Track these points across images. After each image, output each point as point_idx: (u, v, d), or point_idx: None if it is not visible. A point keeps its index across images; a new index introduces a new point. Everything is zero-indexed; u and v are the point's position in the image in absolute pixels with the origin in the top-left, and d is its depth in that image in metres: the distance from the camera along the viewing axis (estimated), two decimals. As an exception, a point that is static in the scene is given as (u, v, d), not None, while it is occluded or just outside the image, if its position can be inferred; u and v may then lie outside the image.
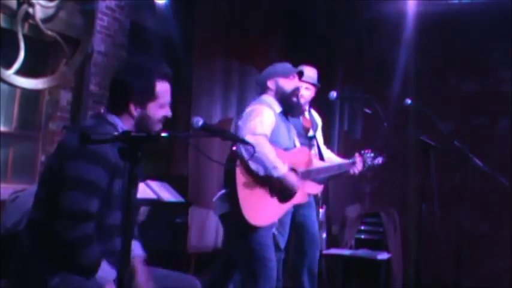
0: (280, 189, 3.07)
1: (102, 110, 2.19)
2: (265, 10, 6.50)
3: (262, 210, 3.02)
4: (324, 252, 5.18)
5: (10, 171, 4.72)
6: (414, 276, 5.39)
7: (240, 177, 2.95)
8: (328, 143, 4.54)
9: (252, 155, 2.87)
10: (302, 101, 3.62)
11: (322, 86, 3.83)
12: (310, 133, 3.86)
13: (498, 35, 5.78)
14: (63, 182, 1.96)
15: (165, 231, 5.10)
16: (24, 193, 3.86)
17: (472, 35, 5.92)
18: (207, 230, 6.01)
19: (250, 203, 2.96)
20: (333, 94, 3.40)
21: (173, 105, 2.21)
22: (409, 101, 3.83)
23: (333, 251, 5.30)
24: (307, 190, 3.71)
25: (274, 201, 3.08)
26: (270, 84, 3.23)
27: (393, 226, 5.55)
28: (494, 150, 5.50)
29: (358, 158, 3.47)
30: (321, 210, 5.32)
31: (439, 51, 6.16)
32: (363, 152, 3.50)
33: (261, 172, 2.96)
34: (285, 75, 3.24)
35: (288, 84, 3.23)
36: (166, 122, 2.22)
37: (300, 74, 3.30)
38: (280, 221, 3.63)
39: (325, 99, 3.73)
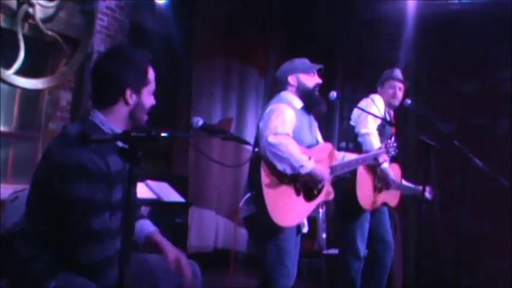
0: (309, 182, 3.04)
1: (85, 111, 2.16)
2: (265, 10, 6.50)
3: (288, 210, 3.00)
4: (324, 252, 5.18)
5: (10, 171, 4.72)
6: (414, 276, 5.39)
7: (265, 178, 2.92)
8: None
9: (276, 156, 2.88)
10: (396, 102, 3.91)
11: (322, 86, 3.84)
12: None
13: (498, 35, 5.78)
14: (68, 203, 1.93)
15: (165, 231, 5.08)
16: (24, 193, 3.83)
17: (472, 35, 5.92)
18: (207, 230, 6.02)
19: (277, 203, 2.93)
20: (333, 94, 3.40)
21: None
22: (409, 101, 3.84)
23: (333, 251, 5.29)
24: (387, 201, 3.88)
25: (300, 200, 3.06)
26: (291, 80, 3.20)
27: (393, 226, 5.54)
28: (494, 150, 5.51)
29: (383, 149, 3.47)
30: (320, 210, 5.33)
31: (439, 52, 6.16)
32: (386, 142, 3.52)
33: (289, 171, 2.93)
34: (306, 71, 3.22)
35: (309, 80, 3.21)
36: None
37: (319, 71, 3.29)
38: (360, 228, 3.71)
39: (325, 99, 3.73)
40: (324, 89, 3.33)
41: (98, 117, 2.07)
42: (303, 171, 2.95)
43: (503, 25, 5.59)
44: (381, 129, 3.83)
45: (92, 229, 1.94)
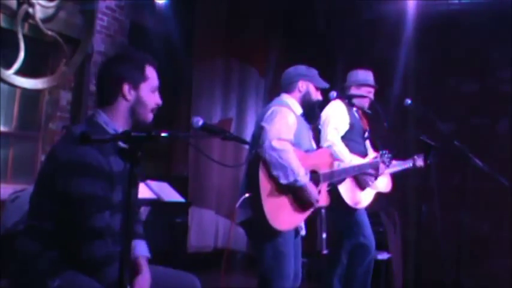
0: (300, 197, 3.04)
1: (91, 112, 2.19)
2: (265, 10, 6.50)
3: (285, 214, 2.99)
4: (324, 252, 5.18)
5: (10, 171, 4.72)
6: (414, 276, 5.39)
7: (264, 180, 2.91)
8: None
9: (276, 161, 2.88)
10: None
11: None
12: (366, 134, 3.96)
13: (498, 35, 5.78)
14: (70, 200, 1.96)
15: (165, 231, 5.10)
16: (24, 193, 3.86)
17: (472, 35, 5.92)
18: (207, 230, 6.01)
19: (274, 207, 2.92)
20: (333, 94, 3.41)
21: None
22: (409, 101, 3.84)
23: (333, 251, 5.29)
24: (376, 189, 3.86)
25: (297, 205, 3.06)
26: (301, 84, 3.21)
27: (393, 226, 5.54)
28: (494, 150, 5.50)
29: (378, 159, 3.50)
30: (322, 211, 5.32)
31: (439, 51, 6.16)
32: (381, 153, 3.52)
33: (282, 179, 2.91)
34: (316, 83, 3.24)
35: (314, 93, 3.24)
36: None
37: (323, 91, 3.31)
38: (362, 224, 3.75)
39: (325, 99, 3.74)
40: (324, 89, 3.34)
41: (102, 117, 2.12)
42: (296, 184, 2.95)
43: (503, 25, 5.59)
44: (352, 129, 3.84)
45: (92, 225, 1.97)
